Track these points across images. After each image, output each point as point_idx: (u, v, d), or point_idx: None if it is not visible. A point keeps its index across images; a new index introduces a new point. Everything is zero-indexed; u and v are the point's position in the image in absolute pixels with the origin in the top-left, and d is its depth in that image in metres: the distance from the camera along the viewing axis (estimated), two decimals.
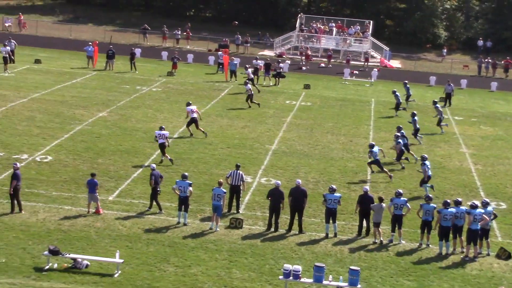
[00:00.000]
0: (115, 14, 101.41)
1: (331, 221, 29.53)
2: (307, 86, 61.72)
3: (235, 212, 31.17)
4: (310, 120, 49.46)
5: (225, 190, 29.61)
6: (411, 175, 38.19)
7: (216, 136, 43.12)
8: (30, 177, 33.20)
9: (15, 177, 29.05)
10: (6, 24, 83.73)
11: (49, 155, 36.90)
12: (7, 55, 56.80)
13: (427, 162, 35.51)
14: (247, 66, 60.20)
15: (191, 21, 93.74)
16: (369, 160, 38.09)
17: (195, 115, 42.78)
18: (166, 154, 37.35)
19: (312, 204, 32.42)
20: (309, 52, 77.54)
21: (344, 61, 77.27)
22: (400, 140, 39.91)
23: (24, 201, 29.84)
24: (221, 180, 30.10)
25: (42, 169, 34.74)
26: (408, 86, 56.73)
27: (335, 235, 29.52)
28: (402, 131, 41.26)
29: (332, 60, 77.46)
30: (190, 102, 44.78)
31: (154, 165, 31.56)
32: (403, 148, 39.74)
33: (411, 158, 40.61)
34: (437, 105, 49.61)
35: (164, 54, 72.92)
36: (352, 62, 76.43)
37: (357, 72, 71.26)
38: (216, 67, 67.22)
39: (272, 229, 29.62)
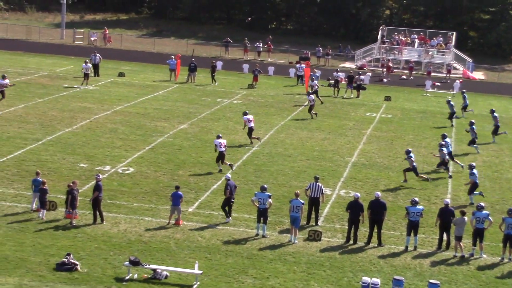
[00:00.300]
0: (197, 27, 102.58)
1: (412, 234, 29.24)
2: (388, 98, 61.34)
3: (314, 224, 31.11)
4: (391, 133, 49.11)
5: (303, 201, 29.59)
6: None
7: (295, 148, 43.14)
8: (112, 189, 33.73)
9: (97, 188, 29.56)
10: (92, 39, 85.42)
11: (131, 167, 37.44)
12: (88, 72, 57.94)
13: (474, 171, 35.48)
14: (313, 77, 60.27)
15: (272, 34, 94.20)
16: (407, 167, 38.00)
17: (252, 124, 43.16)
18: (226, 161, 37.77)
19: (392, 217, 32.17)
20: (391, 64, 77.02)
21: (425, 73, 76.49)
22: (443, 148, 39.74)
23: (106, 212, 30.34)
24: (298, 191, 30.06)
25: (124, 180, 35.27)
26: (465, 95, 56.19)
27: (415, 248, 29.21)
28: (446, 139, 41.22)
29: (414, 72, 76.80)
30: (247, 111, 45.02)
31: (229, 175, 31.75)
32: (446, 157, 39.55)
33: (457, 166, 40.67)
34: (495, 113, 48.92)
35: (245, 66, 73.33)
36: (433, 74, 75.64)
37: (439, 84, 70.55)
38: (296, 80, 67.28)
39: (351, 242, 29.47)
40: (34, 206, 30.40)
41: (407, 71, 76.98)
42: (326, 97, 61.06)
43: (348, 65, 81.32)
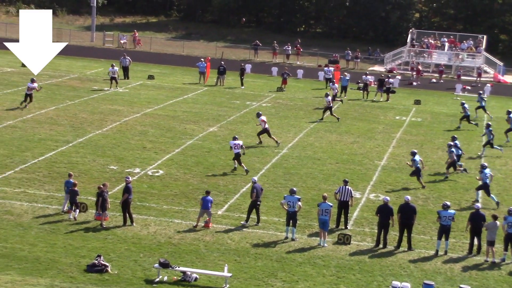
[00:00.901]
0: (226, 30, 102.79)
1: (443, 238, 29.10)
2: (417, 102, 61.12)
3: (343, 228, 31.05)
4: (420, 136, 48.92)
5: (331, 204, 29.55)
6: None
7: (325, 152, 43.09)
8: (142, 191, 33.88)
9: (126, 190, 29.70)
10: (122, 41, 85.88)
11: (161, 169, 37.58)
12: (115, 75, 58.09)
13: (486, 171, 35.48)
14: (333, 81, 60.31)
15: (301, 37, 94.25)
16: (412, 170, 37.86)
17: (267, 125, 43.54)
18: (242, 164, 37.91)
19: (422, 221, 32.04)
20: (420, 67, 76.74)
21: (455, 77, 76.08)
22: (453, 149, 39.79)
23: (135, 214, 30.48)
24: (326, 194, 30.00)
25: (154, 183, 35.40)
26: (482, 97, 56.34)
27: (446, 252, 29.06)
28: (456, 141, 41.40)
29: (444, 75, 76.43)
30: (261, 112, 45.28)
31: (255, 178, 31.77)
32: (455, 159, 39.61)
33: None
34: (511, 115, 48.80)
35: (274, 69, 73.38)
36: (463, 78, 75.25)
37: (469, 87, 70.17)
38: (325, 83, 67.20)
39: (381, 246, 29.38)
40: (66, 207, 30.60)
41: (437, 75, 76.65)
42: (355, 100, 60.99)
43: (378, 68, 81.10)
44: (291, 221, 29.54)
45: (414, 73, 75.52)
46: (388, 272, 27.10)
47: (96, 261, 25.47)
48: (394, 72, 78.27)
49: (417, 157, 37.73)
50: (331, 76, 66.32)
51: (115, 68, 58.44)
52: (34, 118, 46.30)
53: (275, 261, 27.39)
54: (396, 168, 40.69)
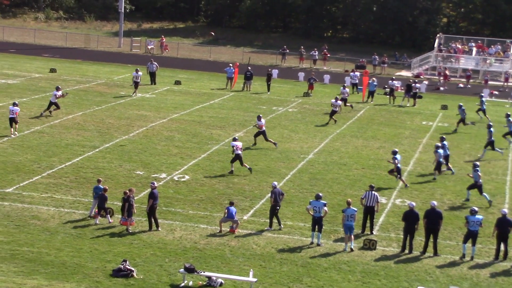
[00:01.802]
0: (253, 35, 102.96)
1: (469, 244, 28.94)
2: (444, 107, 60.86)
3: (369, 233, 30.97)
4: (447, 142, 48.60)
5: (356, 209, 29.50)
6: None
7: (351, 157, 43.01)
8: (168, 196, 33.99)
9: (151, 196, 29.81)
10: (149, 47, 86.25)
11: (187, 174, 37.68)
12: (138, 80, 58.16)
13: (478, 169, 36.02)
14: (344, 85, 60.27)
15: (328, 42, 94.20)
16: (391, 168, 38.40)
17: (264, 128, 43.93)
18: (245, 164, 38.26)
19: (448, 226, 31.89)
20: (448, 72, 76.40)
21: (482, 82, 75.68)
22: (439, 150, 39.88)
23: (161, 219, 30.58)
24: (350, 200, 29.93)
25: (180, 188, 35.50)
26: (483, 99, 56.73)
27: (472, 258, 28.90)
28: (444, 142, 41.47)
29: (471, 80, 76.05)
30: (261, 115, 45.29)
31: (275, 183, 31.74)
32: (441, 159, 39.73)
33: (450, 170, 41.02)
34: (510, 118, 48.88)
35: (301, 75, 73.39)
36: (490, 82, 74.82)
37: (496, 92, 69.75)
38: (352, 88, 67.09)
39: (406, 251, 29.28)
40: (93, 212, 30.75)
41: (464, 80, 76.29)
42: (382, 105, 60.85)
43: (405, 73, 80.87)
44: (316, 226, 29.51)
45: (441, 78, 75.23)
46: (414, 277, 27.00)
47: (122, 266, 25.59)
48: (421, 77, 77.98)
49: (398, 156, 38.21)
50: (357, 81, 66.29)
51: (139, 73, 58.52)
52: (62, 124, 46.61)
53: (301, 266, 27.37)
54: (422, 174, 40.52)
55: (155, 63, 64.66)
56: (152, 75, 63.78)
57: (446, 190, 37.56)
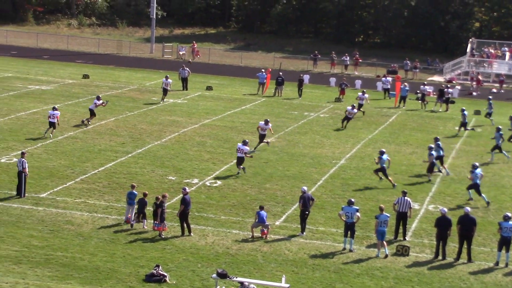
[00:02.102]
0: (284, 41, 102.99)
1: (503, 250, 28.73)
2: (477, 112, 60.50)
3: (402, 239, 30.84)
4: (480, 147, 48.39)
5: (389, 215, 29.40)
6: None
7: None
8: (200, 201, 34.06)
9: (183, 201, 29.89)
10: (180, 53, 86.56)
11: (219, 180, 37.76)
12: (167, 87, 58.04)
13: (477, 170, 36.18)
14: (364, 90, 59.96)
15: (359, 47, 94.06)
16: (377, 168, 38.77)
17: (264, 132, 44.04)
18: (240, 166, 38.83)
19: (482, 233, 31.67)
20: (480, 77, 75.91)
21: None
22: (433, 152, 39.97)
23: (194, 225, 30.66)
24: (382, 206, 29.82)
25: (212, 193, 35.58)
26: (490, 103, 56.63)
27: (506, 265, 28.68)
28: (438, 142, 41.54)
29: (505, 85, 75.53)
30: (267, 119, 45.15)
31: (305, 188, 31.68)
32: (434, 161, 39.82)
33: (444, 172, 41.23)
34: None
35: (332, 80, 73.30)
36: None
37: None
38: (383, 93, 66.89)
39: (440, 257, 29.12)
40: (132, 217, 30.84)
41: (497, 85, 75.78)
42: (414, 110, 60.61)
43: (437, 78, 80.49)
44: (349, 232, 29.45)
45: (474, 83, 74.76)
46: (447, 284, 26.84)
47: (155, 271, 25.68)
48: (454, 82, 77.58)
49: (384, 156, 38.51)
50: (389, 87, 66.12)
51: (169, 80, 58.48)
52: (95, 129, 46.91)
53: (333, 272, 27.32)
54: (456, 179, 40.30)
55: (187, 68, 64.86)
56: (184, 81, 63.99)
57: (476, 195, 37.23)
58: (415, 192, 37.33)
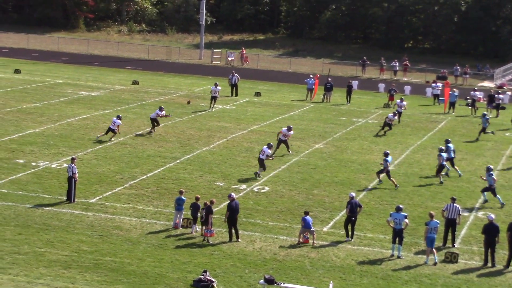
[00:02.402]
0: (333, 46, 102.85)
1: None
2: None
3: (451, 246, 30.58)
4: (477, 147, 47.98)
5: (439, 221, 29.18)
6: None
7: (432, 169, 42.46)
8: (248, 207, 34.13)
9: (229, 207, 29.98)
10: (230, 59, 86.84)
11: (266, 186, 37.80)
12: (216, 95, 57.59)
13: (492, 173, 36.58)
14: (402, 98, 59.27)
15: (409, 53, 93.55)
16: (380, 169, 39.12)
17: (284, 137, 44.20)
18: (261, 168, 39.27)
19: None
20: None
21: None
22: (442, 154, 40.00)
23: (241, 230, 30.72)
24: (433, 212, 29.62)
25: (260, 199, 35.63)
26: None
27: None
28: (449, 144, 41.81)
29: None
30: (291, 126, 45.23)
31: (353, 194, 31.59)
32: (443, 163, 39.90)
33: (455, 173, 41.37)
34: None
35: (381, 86, 73.00)
36: None
37: None
38: (433, 99, 66.44)
39: (489, 264, 28.81)
40: (180, 222, 31.03)
41: None
42: (464, 116, 60.10)
43: (487, 84, 79.70)
44: (397, 239, 29.29)
45: None
46: None
47: (202, 277, 25.79)
48: (505, 88, 76.75)
49: (389, 158, 38.81)
50: (439, 92, 65.65)
51: (218, 87, 57.95)
52: (144, 136, 47.24)
53: (381, 278, 27.19)
54: (506, 186, 39.87)
55: (237, 74, 65.06)
56: (234, 87, 64.17)
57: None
58: (464, 198, 37.00)
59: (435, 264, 28.69)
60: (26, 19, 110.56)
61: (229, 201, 30.38)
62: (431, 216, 29.15)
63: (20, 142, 43.58)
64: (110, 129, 45.21)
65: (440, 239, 30.47)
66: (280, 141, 44.01)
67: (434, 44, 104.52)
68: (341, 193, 36.98)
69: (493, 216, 29.48)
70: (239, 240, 30.05)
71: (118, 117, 45.81)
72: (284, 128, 44.51)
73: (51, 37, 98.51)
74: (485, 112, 54.02)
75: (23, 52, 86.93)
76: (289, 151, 44.00)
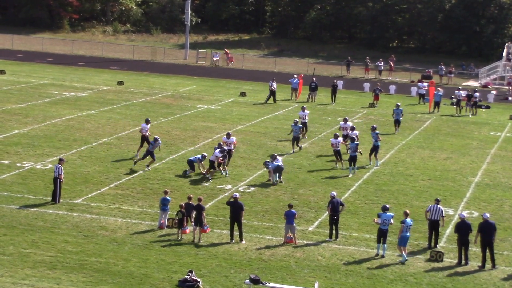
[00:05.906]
0: (318, 46, 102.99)
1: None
2: None
3: (434, 246, 30.64)
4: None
5: (412, 220, 29.37)
6: None
7: (417, 168, 42.65)
8: None
9: (231, 206, 30.16)
10: (215, 59, 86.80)
11: (252, 186, 37.80)
12: (305, 120, 53.15)
13: (377, 132, 38.66)
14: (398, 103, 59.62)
15: (393, 52, 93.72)
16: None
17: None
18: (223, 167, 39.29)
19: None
20: None
21: None
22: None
23: (226, 230, 30.64)
24: (407, 211, 29.69)
25: (245, 199, 35.51)
26: None
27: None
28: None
29: None
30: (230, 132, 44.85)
31: (334, 193, 31.60)
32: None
33: None
34: None
35: (366, 85, 73.15)
36: None
37: None
38: (418, 98, 66.63)
39: (463, 262, 28.90)
40: (165, 222, 31.02)
41: None
42: (449, 116, 60.29)
43: (472, 83, 79.98)
44: (382, 238, 29.34)
45: (510, 88, 74.16)
46: None
47: (188, 277, 25.77)
48: (489, 87, 77.02)
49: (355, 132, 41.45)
50: (424, 92, 65.83)
51: (306, 111, 50.01)
52: (129, 135, 47.17)
53: (366, 278, 27.24)
54: (491, 185, 40.02)
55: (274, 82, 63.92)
56: (272, 94, 62.51)
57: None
58: (449, 197, 37.12)
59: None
60: (10, 19, 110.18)
61: (232, 200, 30.50)
62: (406, 214, 29.23)
63: (5, 143, 43.42)
64: (144, 138, 42.12)
65: (416, 239, 30.48)
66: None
67: (419, 44, 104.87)
68: (327, 193, 36.90)
69: (464, 214, 29.63)
70: (243, 241, 30.07)
71: (147, 121, 43.10)
72: (224, 137, 42.35)
73: (36, 38, 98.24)
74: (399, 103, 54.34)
75: (7, 52, 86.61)
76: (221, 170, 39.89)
